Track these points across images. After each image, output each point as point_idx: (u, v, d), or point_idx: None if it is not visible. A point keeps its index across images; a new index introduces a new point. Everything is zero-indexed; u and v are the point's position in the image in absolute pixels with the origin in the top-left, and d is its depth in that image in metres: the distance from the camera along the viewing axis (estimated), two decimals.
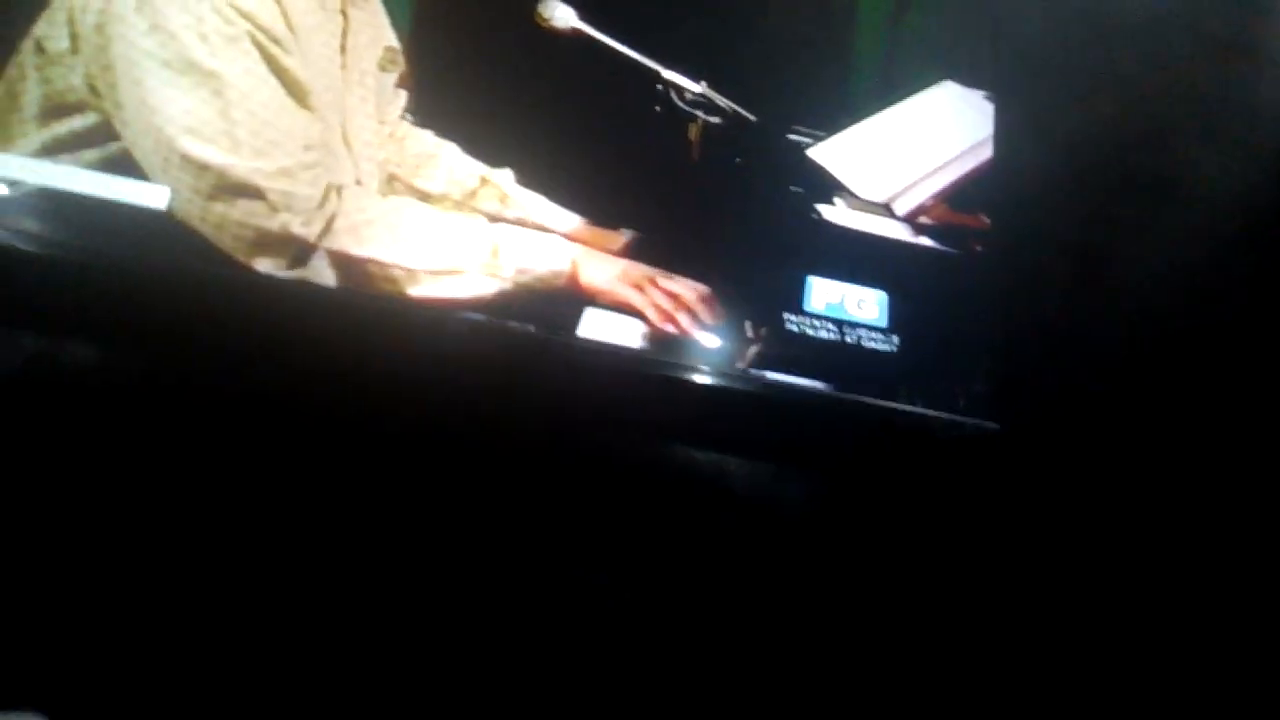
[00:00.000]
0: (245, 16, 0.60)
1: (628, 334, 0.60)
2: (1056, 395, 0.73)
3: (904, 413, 0.63)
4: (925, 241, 0.64)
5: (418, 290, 0.61)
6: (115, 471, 0.62)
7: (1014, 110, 0.72)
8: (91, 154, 0.61)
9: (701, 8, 0.71)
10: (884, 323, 0.63)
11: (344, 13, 0.66)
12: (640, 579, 0.64)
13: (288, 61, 0.62)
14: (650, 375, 0.61)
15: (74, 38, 0.61)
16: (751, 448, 0.68)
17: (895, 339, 0.63)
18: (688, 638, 0.62)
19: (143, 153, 0.60)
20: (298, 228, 0.60)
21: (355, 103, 0.67)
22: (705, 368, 0.61)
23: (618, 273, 0.62)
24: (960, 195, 0.66)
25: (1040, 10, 0.80)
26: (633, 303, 0.61)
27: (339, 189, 0.62)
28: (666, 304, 0.61)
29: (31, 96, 0.62)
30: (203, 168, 0.59)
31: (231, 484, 0.62)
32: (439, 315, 0.61)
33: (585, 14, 0.68)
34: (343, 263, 0.61)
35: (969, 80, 0.69)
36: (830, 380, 0.62)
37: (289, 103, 0.61)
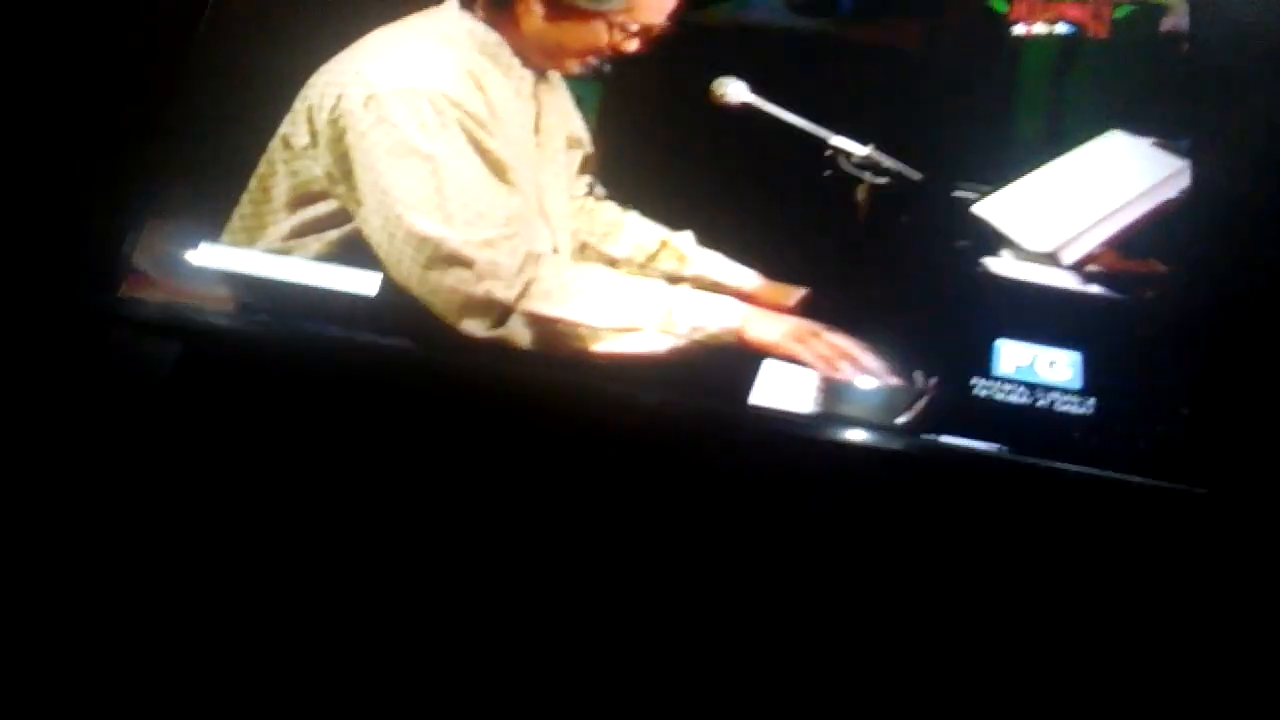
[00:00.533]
0: (455, 105, 0.70)
1: (800, 393, 0.65)
2: (1266, 450, 0.70)
3: (1100, 478, 0.63)
4: (1094, 289, 0.66)
5: (600, 346, 0.68)
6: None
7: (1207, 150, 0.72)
8: (333, 234, 0.71)
9: (864, 75, 0.75)
10: (1078, 384, 0.64)
11: (536, 98, 0.74)
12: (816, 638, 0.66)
13: (490, 144, 0.70)
14: (833, 442, 0.65)
15: (313, 134, 0.71)
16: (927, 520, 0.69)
17: (1091, 401, 0.64)
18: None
19: (372, 229, 0.69)
20: (500, 292, 0.67)
21: (549, 179, 0.75)
22: (883, 433, 0.64)
23: (785, 329, 0.66)
24: (1133, 242, 0.67)
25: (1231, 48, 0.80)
26: (798, 355, 0.66)
27: (537, 257, 0.69)
28: (829, 354, 0.65)
29: (280, 188, 0.73)
30: (422, 239, 0.68)
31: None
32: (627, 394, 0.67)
33: (756, 88, 0.74)
34: (537, 323, 0.68)
35: (1139, 127, 0.70)
36: (1020, 446, 0.63)
37: (492, 180, 0.70)
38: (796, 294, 0.68)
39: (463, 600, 0.67)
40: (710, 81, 0.74)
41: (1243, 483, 0.67)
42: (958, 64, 0.75)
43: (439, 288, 0.68)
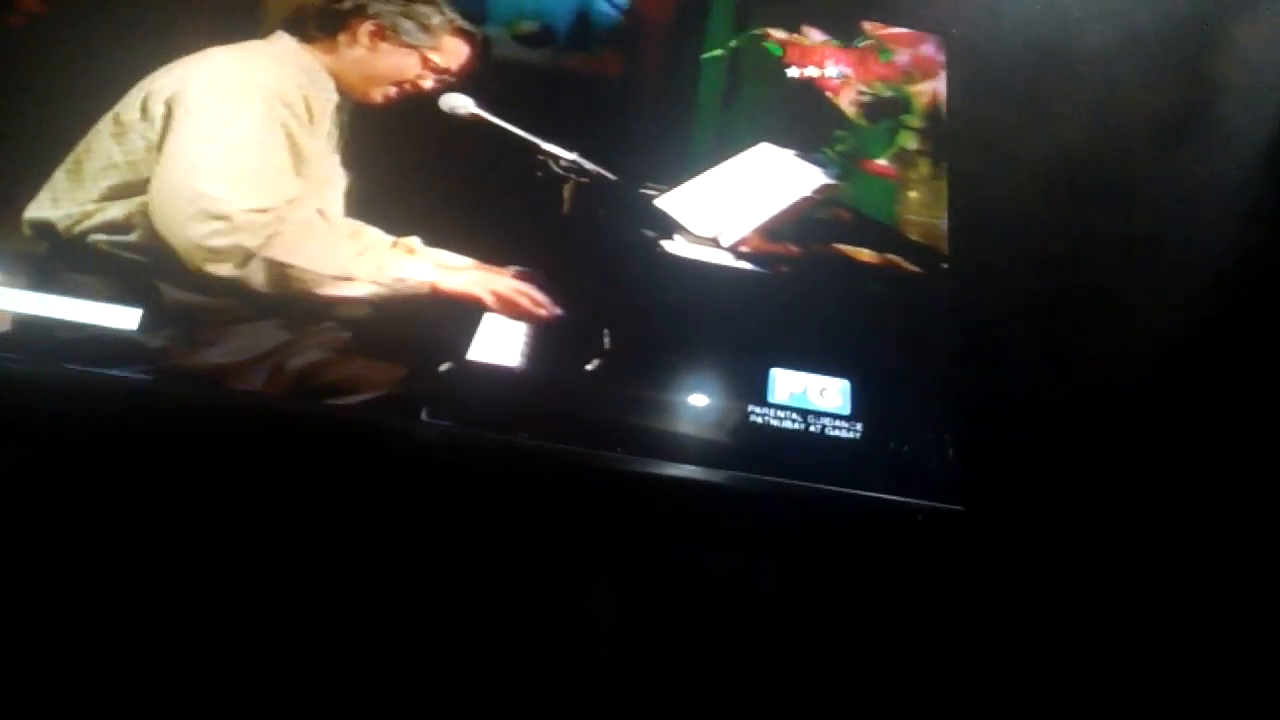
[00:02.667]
0: (282, 101, 0.82)
1: (510, 346, 0.78)
2: (1023, 469, 0.79)
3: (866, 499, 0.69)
4: (744, 265, 0.83)
5: (322, 290, 0.77)
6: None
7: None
8: (137, 199, 0.78)
9: (574, 95, 0.90)
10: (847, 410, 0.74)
11: (339, 123, 0.86)
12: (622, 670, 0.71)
13: (300, 138, 0.82)
14: (624, 472, 0.71)
15: (145, 110, 0.80)
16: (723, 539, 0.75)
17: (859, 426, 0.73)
18: None
19: (159, 185, 0.78)
20: (247, 241, 0.77)
21: (330, 192, 0.85)
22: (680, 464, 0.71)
23: (470, 278, 0.79)
24: (774, 229, 0.85)
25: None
26: (480, 298, 0.78)
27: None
28: (509, 295, 0.79)
29: (98, 161, 0.79)
30: (198, 195, 0.77)
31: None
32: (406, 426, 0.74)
33: (485, 104, 0.88)
34: (272, 267, 0.77)
35: (782, 142, 0.89)
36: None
37: (288, 165, 0.81)
38: (508, 272, 0.82)
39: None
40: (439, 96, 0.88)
41: (999, 499, 0.75)
42: (649, 88, 0.92)
43: (196, 237, 0.77)
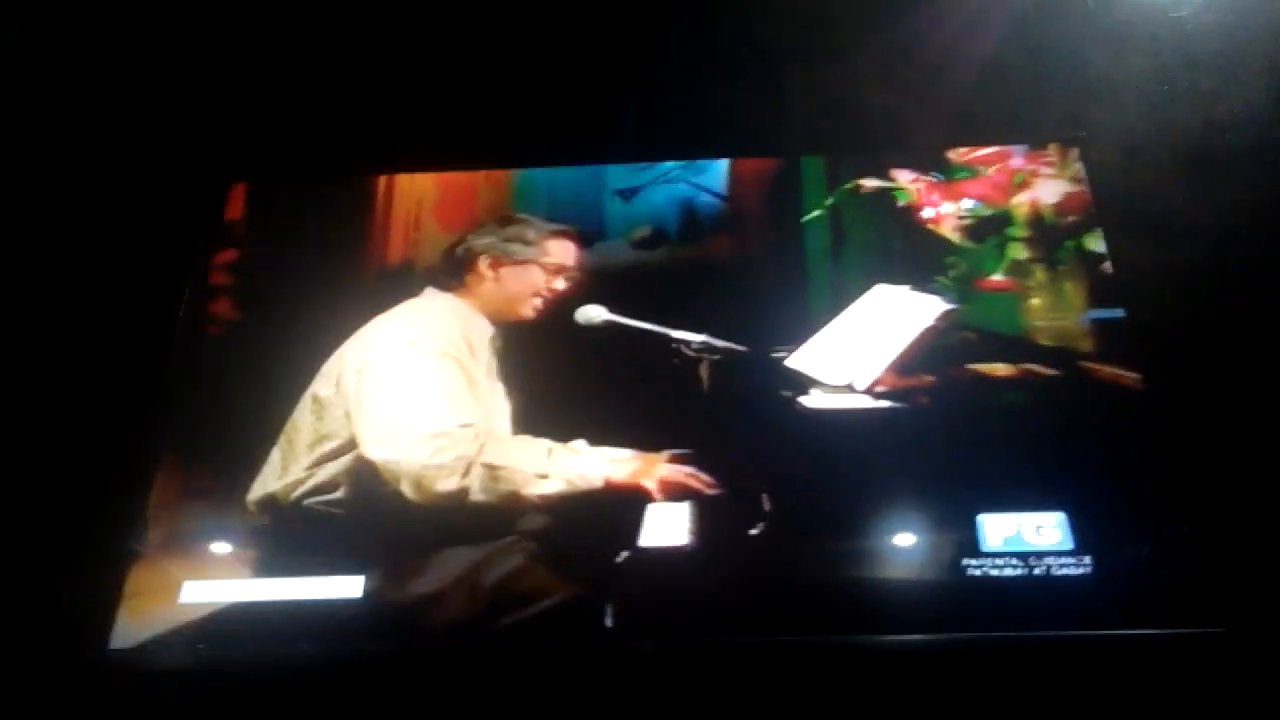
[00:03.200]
0: (449, 345, 0.94)
1: (676, 529, 0.83)
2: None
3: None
4: (883, 404, 0.86)
5: (528, 490, 0.86)
6: None
7: None
8: (345, 459, 0.90)
9: (692, 283, 0.98)
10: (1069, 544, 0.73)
11: (494, 351, 0.97)
12: None
13: (471, 370, 0.93)
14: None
15: (338, 385, 0.93)
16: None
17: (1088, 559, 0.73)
18: None
19: (369, 443, 0.90)
20: (464, 449, 0.88)
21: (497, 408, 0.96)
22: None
23: (633, 469, 0.86)
24: (906, 364, 0.88)
25: None
26: (644, 486, 0.85)
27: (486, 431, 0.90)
28: (670, 479, 0.85)
29: (303, 436, 0.92)
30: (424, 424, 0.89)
31: None
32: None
33: (614, 308, 0.97)
34: (487, 469, 0.87)
35: (896, 280, 0.93)
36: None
37: (467, 394, 0.92)
38: (664, 457, 0.88)
39: None
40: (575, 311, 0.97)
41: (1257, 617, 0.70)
42: (760, 259, 0.99)
43: (422, 457, 0.88)
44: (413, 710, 0.83)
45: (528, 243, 1.01)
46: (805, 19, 1.14)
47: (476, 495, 0.86)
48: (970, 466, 0.81)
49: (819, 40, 1.13)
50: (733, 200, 1.02)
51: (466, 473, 0.87)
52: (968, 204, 0.95)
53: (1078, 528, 0.76)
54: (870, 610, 0.76)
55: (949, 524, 0.78)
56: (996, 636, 0.72)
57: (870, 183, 0.98)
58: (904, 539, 0.78)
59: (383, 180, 1.05)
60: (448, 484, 0.87)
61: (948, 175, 0.97)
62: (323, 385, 0.94)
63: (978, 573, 0.75)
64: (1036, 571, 0.74)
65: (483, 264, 1.00)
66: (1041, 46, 1.08)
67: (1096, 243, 0.90)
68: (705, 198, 1.03)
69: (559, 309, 0.98)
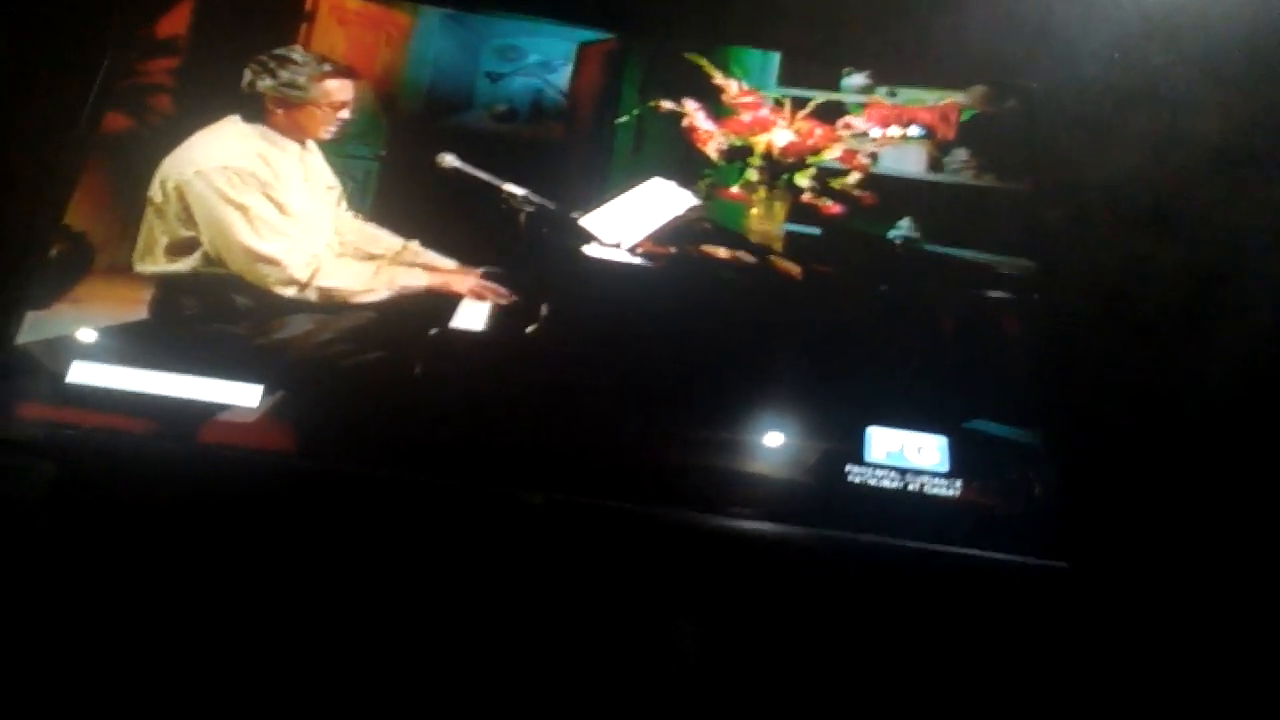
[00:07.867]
0: (250, 173, 1.22)
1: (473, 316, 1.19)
2: (1125, 525, 0.75)
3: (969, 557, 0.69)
4: (637, 261, 1.23)
5: (357, 298, 1.19)
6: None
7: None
8: (197, 253, 1.21)
9: (528, 154, 1.32)
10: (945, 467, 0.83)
11: (301, 161, 1.28)
12: None
13: (275, 193, 1.22)
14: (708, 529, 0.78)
15: (165, 195, 1.21)
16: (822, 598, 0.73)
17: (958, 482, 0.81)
18: None
19: (216, 248, 1.19)
20: (298, 275, 1.19)
21: (316, 207, 1.26)
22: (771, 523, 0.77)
23: (451, 278, 1.21)
24: (659, 236, 1.25)
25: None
26: (458, 288, 1.21)
27: (317, 256, 1.22)
28: (476, 286, 1.21)
29: (156, 229, 1.21)
30: (248, 249, 1.19)
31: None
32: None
33: (465, 159, 1.30)
34: (320, 290, 1.19)
35: (669, 177, 1.29)
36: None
37: (280, 215, 1.22)
38: (479, 271, 1.23)
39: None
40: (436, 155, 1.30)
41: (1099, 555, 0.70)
42: (579, 145, 1.33)
43: (261, 276, 1.19)
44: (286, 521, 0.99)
45: (301, 88, 1.25)
46: None
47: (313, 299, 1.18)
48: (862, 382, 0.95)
49: None
50: (570, 96, 1.36)
51: (302, 290, 1.18)
52: (727, 135, 1.32)
53: (957, 453, 0.84)
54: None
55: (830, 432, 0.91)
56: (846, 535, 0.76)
57: (666, 104, 1.33)
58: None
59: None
60: (283, 290, 1.18)
61: (719, 113, 1.33)
62: (153, 191, 1.21)
63: (857, 480, 0.85)
64: (911, 487, 0.81)
65: (270, 104, 1.24)
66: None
67: (803, 179, 1.29)
68: (552, 92, 1.36)
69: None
